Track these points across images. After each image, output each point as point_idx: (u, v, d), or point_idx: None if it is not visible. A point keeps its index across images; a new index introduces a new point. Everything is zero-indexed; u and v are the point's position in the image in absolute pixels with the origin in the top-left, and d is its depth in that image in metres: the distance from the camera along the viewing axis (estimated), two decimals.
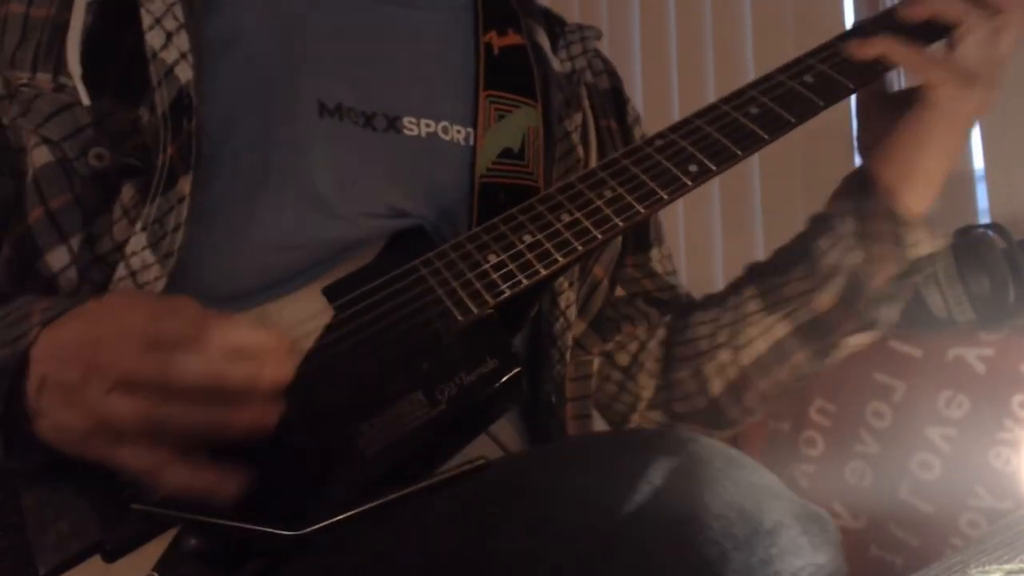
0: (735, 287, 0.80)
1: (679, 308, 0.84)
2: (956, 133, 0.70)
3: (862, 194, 0.73)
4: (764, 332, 0.76)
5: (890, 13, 0.73)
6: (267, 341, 0.52)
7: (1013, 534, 0.66)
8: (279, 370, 0.51)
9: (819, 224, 0.76)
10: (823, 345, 0.76)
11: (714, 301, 0.81)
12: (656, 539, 0.41)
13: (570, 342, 0.77)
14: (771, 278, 0.78)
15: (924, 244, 0.71)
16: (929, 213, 0.72)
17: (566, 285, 0.76)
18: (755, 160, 1.69)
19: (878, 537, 1.15)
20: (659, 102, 1.84)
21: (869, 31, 0.71)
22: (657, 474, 0.43)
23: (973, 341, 1.12)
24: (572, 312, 0.77)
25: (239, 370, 0.50)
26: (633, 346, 0.83)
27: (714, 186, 1.76)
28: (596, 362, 0.82)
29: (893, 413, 1.16)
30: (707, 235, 1.76)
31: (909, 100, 0.71)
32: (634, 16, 1.93)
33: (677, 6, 1.86)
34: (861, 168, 0.76)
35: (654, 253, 0.87)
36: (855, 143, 0.78)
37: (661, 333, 0.83)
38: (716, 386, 0.79)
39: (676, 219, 1.80)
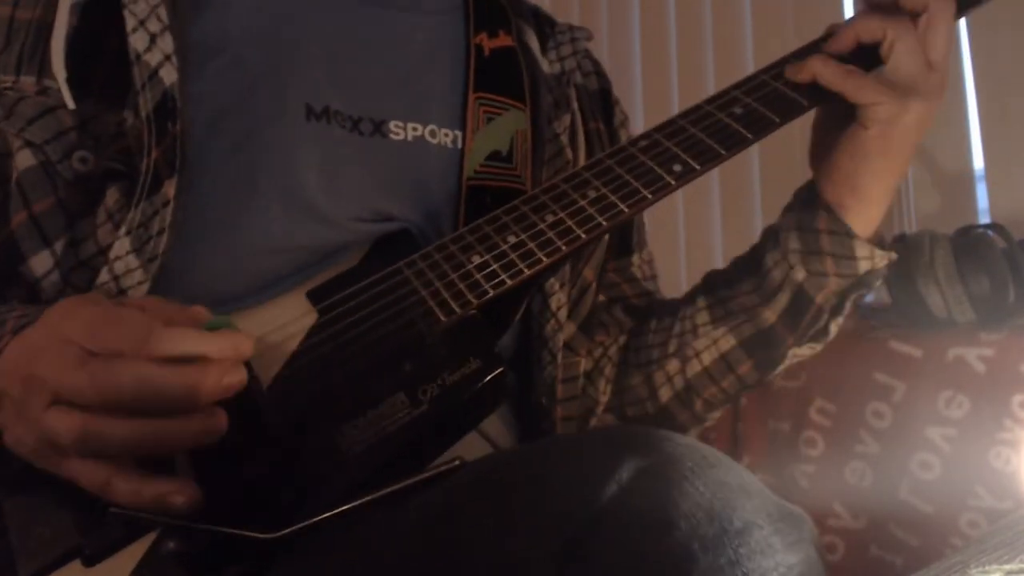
0: (690, 296, 0.81)
1: (640, 314, 0.85)
2: (897, 150, 0.69)
3: (808, 209, 0.73)
4: (711, 344, 0.78)
5: (816, 46, 0.71)
6: (212, 348, 0.50)
7: (1013, 534, 0.66)
8: (224, 378, 0.50)
9: (768, 238, 0.77)
10: (768, 358, 0.77)
11: (669, 309, 0.82)
12: (623, 539, 0.41)
13: (561, 344, 0.77)
14: (721, 291, 0.79)
15: (865, 261, 0.71)
16: (876, 228, 0.72)
17: (557, 287, 0.76)
18: (755, 159, 1.70)
19: (878, 537, 1.15)
20: (659, 102, 1.84)
21: (802, 55, 0.71)
22: (626, 473, 0.43)
23: (973, 341, 1.12)
24: (563, 314, 0.77)
25: (177, 379, 0.49)
26: (597, 352, 0.84)
27: (714, 185, 1.76)
28: (583, 363, 0.82)
29: (893, 413, 1.16)
30: (707, 234, 1.76)
31: (852, 115, 0.69)
32: (634, 16, 1.92)
33: (677, 6, 1.86)
34: (810, 182, 0.75)
35: (635, 258, 0.88)
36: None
37: (622, 339, 0.84)
38: (664, 394, 0.80)
39: (676, 219, 1.80)
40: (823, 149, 0.73)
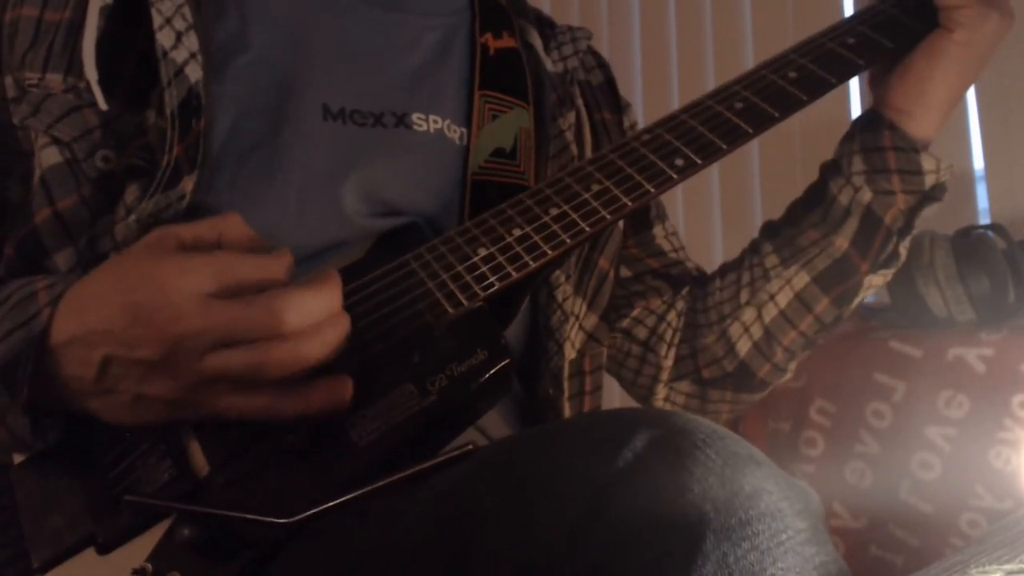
0: (753, 247, 0.82)
1: (697, 280, 0.85)
2: (973, 58, 0.71)
3: (869, 131, 0.74)
4: (784, 285, 0.78)
5: None
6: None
7: (1013, 534, 0.66)
8: (337, 278, 0.56)
9: (828, 170, 0.77)
10: (844, 289, 0.77)
11: (732, 265, 0.83)
12: (638, 502, 0.42)
13: (567, 334, 0.78)
14: (786, 231, 0.79)
15: (931, 175, 0.72)
16: (931, 148, 0.74)
17: (563, 278, 0.77)
18: (755, 158, 1.70)
19: (878, 537, 1.15)
20: (659, 101, 1.84)
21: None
22: (640, 443, 0.43)
23: (973, 341, 1.12)
24: (569, 304, 0.78)
25: (326, 293, 0.54)
26: (651, 320, 0.85)
27: (714, 184, 1.76)
28: (606, 353, 0.83)
29: (893, 413, 1.16)
30: (707, 234, 1.76)
31: (925, 29, 0.72)
32: (634, 16, 1.93)
33: (677, 6, 1.86)
34: (868, 109, 0.77)
35: (657, 231, 0.88)
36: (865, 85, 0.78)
37: (680, 305, 0.85)
38: (743, 346, 0.80)
39: (676, 219, 1.80)
40: (891, 64, 0.74)
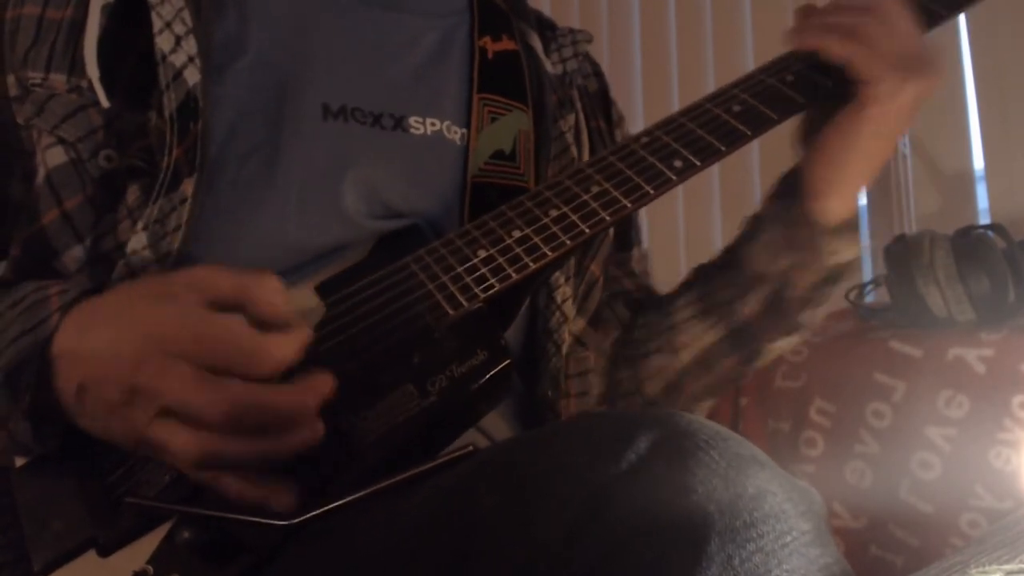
0: (678, 291, 0.83)
1: (633, 308, 0.86)
2: (889, 132, 0.70)
3: (788, 198, 0.74)
4: (695, 339, 0.79)
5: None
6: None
7: (1013, 534, 0.66)
8: (325, 389, 0.52)
9: (749, 229, 0.78)
10: (749, 351, 0.78)
11: (656, 303, 0.84)
12: (641, 503, 0.41)
13: (566, 336, 0.78)
14: (703, 285, 0.80)
15: (843, 252, 0.72)
16: (851, 219, 0.73)
17: (562, 280, 0.77)
18: (755, 158, 1.70)
19: (878, 537, 1.15)
20: (659, 102, 1.84)
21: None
22: (643, 444, 0.43)
23: (973, 341, 1.12)
24: (568, 307, 0.78)
25: (293, 401, 0.50)
26: (594, 343, 0.84)
27: (714, 184, 1.76)
28: (593, 357, 0.83)
29: (893, 413, 1.16)
30: (707, 234, 1.77)
31: (845, 95, 0.70)
32: (634, 16, 1.93)
33: (677, 6, 1.86)
34: (793, 168, 0.76)
35: (634, 252, 0.89)
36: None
37: (615, 333, 0.85)
38: (651, 387, 0.81)
39: (676, 219, 1.80)
40: (811, 129, 0.73)
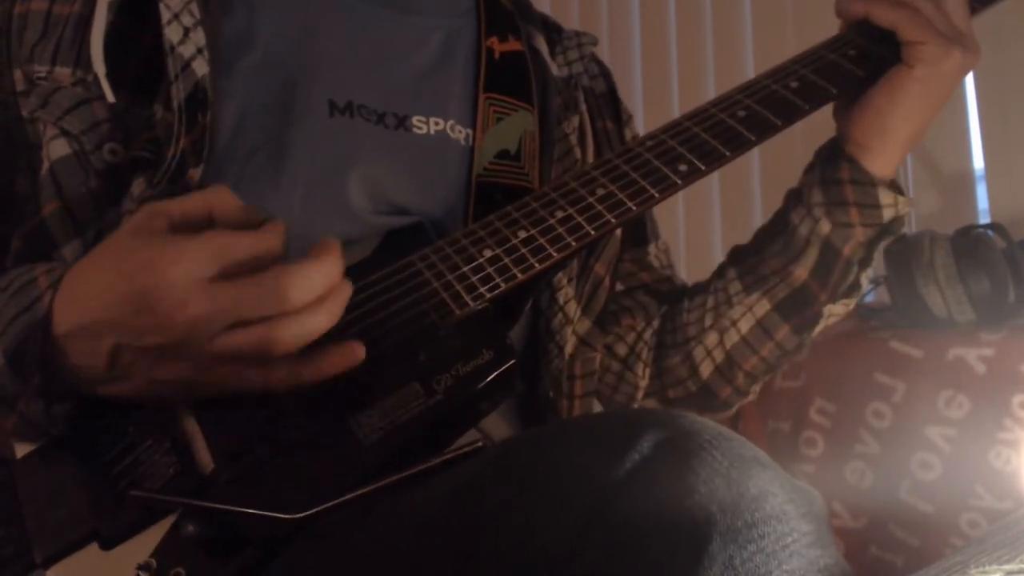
0: (719, 271, 0.82)
1: (671, 297, 0.86)
2: (933, 95, 0.71)
3: (831, 163, 0.74)
4: (746, 312, 0.78)
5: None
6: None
7: (1013, 534, 0.66)
8: (337, 247, 0.55)
9: (790, 199, 0.78)
10: (804, 318, 0.77)
11: (700, 288, 0.83)
12: (644, 503, 0.42)
13: (568, 337, 0.78)
14: (749, 258, 0.79)
15: (889, 209, 0.72)
16: (895, 177, 0.74)
17: (565, 281, 0.77)
18: (755, 159, 1.70)
19: (878, 537, 1.15)
20: (659, 102, 1.84)
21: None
22: (647, 445, 0.43)
23: (973, 341, 1.12)
24: (571, 308, 0.78)
25: (328, 264, 0.54)
26: (631, 337, 0.84)
27: (714, 185, 1.76)
28: (599, 358, 0.83)
29: (893, 413, 1.16)
30: (707, 234, 1.76)
31: (889, 61, 0.71)
32: (634, 17, 1.93)
33: (677, 6, 1.86)
34: (830, 140, 0.77)
35: (651, 248, 0.89)
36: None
37: (656, 323, 0.85)
38: (706, 369, 0.81)
39: (676, 219, 1.80)
40: (855, 95, 0.74)
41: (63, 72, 0.66)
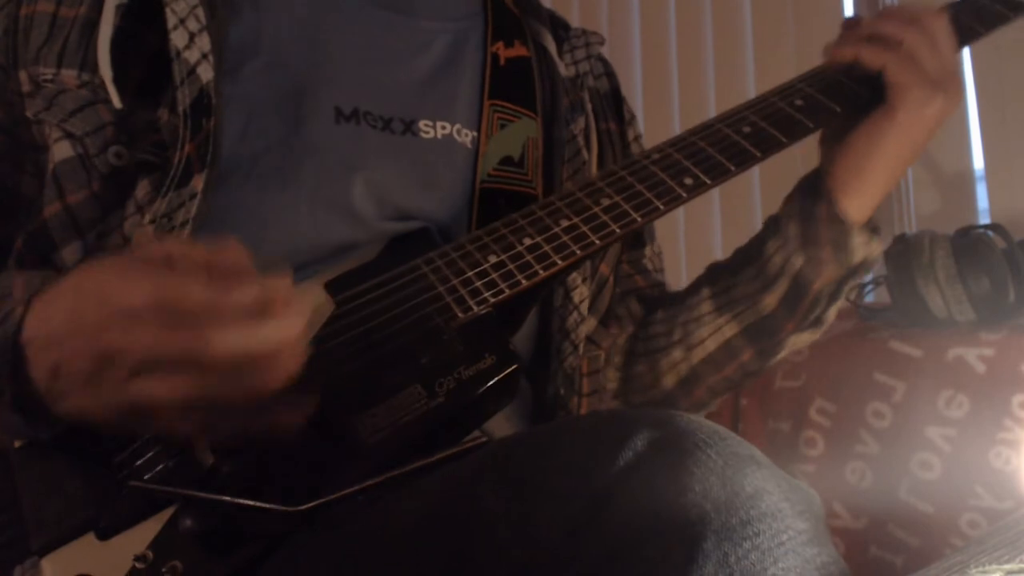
0: (694, 286, 0.84)
1: (650, 304, 0.87)
2: (913, 140, 0.72)
3: (810, 197, 0.75)
4: (714, 332, 0.80)
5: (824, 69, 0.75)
6: (276, 290, 0.49)
7: (1013, 534, 0.66)
8: (299, 320, 0.49)
9: (769, 226, 0.79)
10: (768, 345, 0.79)
11: (675, 299, 0.85)
12: (639, 500, 0.42)
13: (583, 335, 0.79)
14: (724, 279, 0.81)
15: (860, 250, 0.74)
16: (871, 219, 0.75)
17: (579, 280, 0.78)
18: (755, 167, 1.70)
19: (878, 537, 1.15)
20: (659, 104, 1.84)
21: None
22: (641, 443, 0.44)
23: (973, 341, 1.12)
24: (585, 307, 0.78)
25: (269, 331, 0.48)
26: (607, 342, 0.85)
27: (714, 190, 1.76)
28: (602, 356, 0.83)
29: (893, 413, 1.16)
30: (707, 235, 1.76)
31: (873, 101, 0.72)
32: (634, 18, 1.93)
33: (677, 7, 1.86)
34: (814, 170, 0.78)
35: (647, 250, 0.90)
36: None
37: (630, 329, 0.86)
38: (669, 380, 0.82)
39: (676, 218, 1.80)
40: (838, 131, 0.75)
41: (69, 74, 0.66)
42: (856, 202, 0.73)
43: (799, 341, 0.79)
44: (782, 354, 0.80)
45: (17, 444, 0.58)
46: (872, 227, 0.75)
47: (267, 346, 0.48)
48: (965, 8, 0.78)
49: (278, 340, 0.48)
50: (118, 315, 0.48)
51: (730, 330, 0.79)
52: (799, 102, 0.72)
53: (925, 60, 0.70)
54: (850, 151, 0.73)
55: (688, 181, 0.68)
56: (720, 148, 0.70)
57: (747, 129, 0.71)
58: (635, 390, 0.84)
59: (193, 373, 0.47)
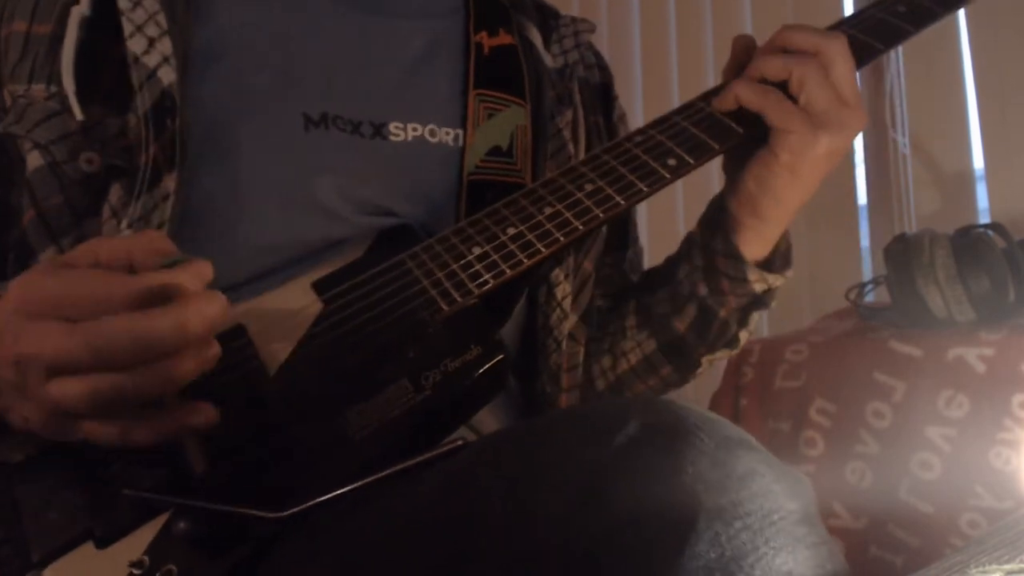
0: (627, 296, 0.86)
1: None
2: (803, 181, 0.70)
3: (710, 228, 0.77)
4: (635, 346, 0.83)
5: (706, 97, 0.73)
6: (180, 280, 0.50)
7: (1013, 534, 0.66)
8: (204, 308, 0.49)
9: (683, 248, 0.81)
10: (684, 363, 0.81)
11: (612, 305, 0.87)
12: (631, 483, 0.42)
13: (566, 332, 0.79)
14: (645, 296, 0.83)
15: (758, 284, 0.75)
16: (776, 250, 0.75)
17: (562, 277, 0.78)
18: None
19: (878, 537, 1.15)
20: (659, 98, 1.84)
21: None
22: (633, 428, 0.44)
23: (973, 341, 1.12)
24: (568, 303, 0.78)
25: (164, 321, 0.47)
26: (586, 339, 0.86)
27: (714, 184, 1.76)
28: (581, 352, 0.84)
29: (893, 413, 1.16)
30: None
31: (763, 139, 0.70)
32: (634, 16, 1.93)
33: (677, 7, 1.86)
34: (721, 192, 0.78)
35: (629, 253, 0.90)
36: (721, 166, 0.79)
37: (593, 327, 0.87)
38: (600, 385, 0.85)
39: (676, 218, 1.80)
40: (735, 163, 0.75)
41: (38, 88, 0.67)
42: (751, 237, 0.74)
43: (714, 359, 0.81)
44: (699, 371, 0.82)
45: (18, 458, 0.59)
46: (774, 260, 0.75)
47: (170, 337, 0.47)
48: (864, 25, 0.74)
49: (179, 330, 0.47)
50: (26, 321, 0.48)
51: (649, 346, 0.82)
52: None
53: (813, 97, 0.67)
54: (742, 192, 0.73)
55: (672, 162, 0.67)
56: (704, 127, 0.69)
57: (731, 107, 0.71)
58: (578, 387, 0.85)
59: (100, 368, 0.47)
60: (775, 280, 0.76)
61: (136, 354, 0.47)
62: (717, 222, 0.76)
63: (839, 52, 0.68)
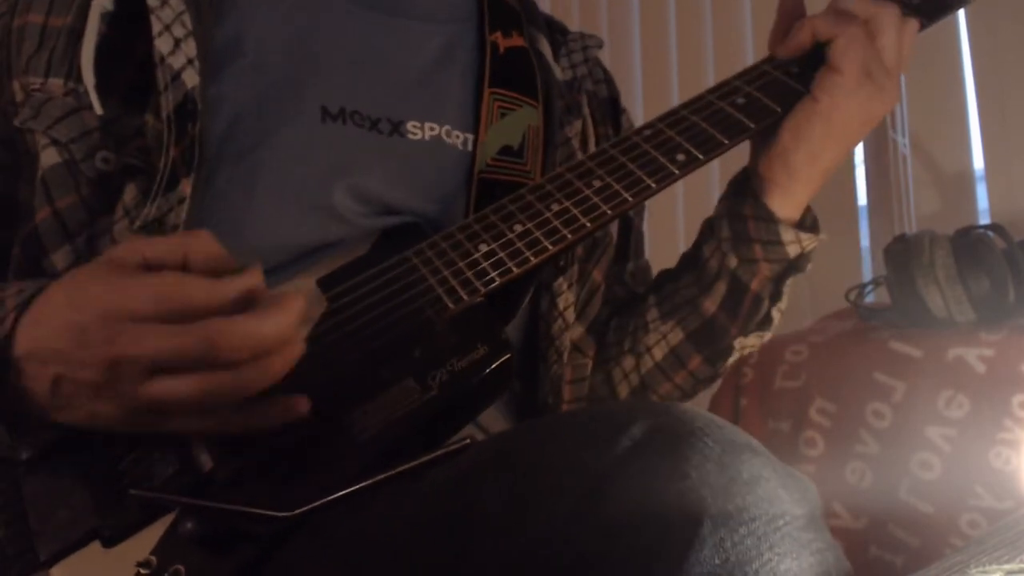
0: (643, 294, 0.84)
1: (610, 311, 0.86)
2: (837, 134, 0.70)
3: (738, 196, 0.75)
4: (660, 339, 0.80)
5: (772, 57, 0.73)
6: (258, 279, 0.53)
7: (1013, 534, 0.66)
8: (296, 305, 0.52)
9: (705, 229, 0.79)
10: (716, 350, 0.78)
11: (627, 307, 0.85)
12: (636, 486, 0.42)
13: (568, 343, 0.78)
14: (667, 285, 0.81)
15: (792, 246, 0.72)
16: (806, 214, 0.74)
17: (566, 287, 0.77)
18: None
19: (878, 537, 1.15)
20: (659, 101, 1.84)
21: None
22: (638, 431, 0.44)
23: (973, 341, 1.12)
24: (570, 313, 0.78)
25: (270, 321, 0.50)
26: (593, 351, 0.85)
27: (714, 183, 1.76)
28: (590, 364, 0.83)
29: (893, 413, 1.16)
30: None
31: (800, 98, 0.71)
32: (634, 18, 1.93)
33: (677, 7, 1.86)
34: (744, 168, 0.77)
35: (630, 266, 0.89)
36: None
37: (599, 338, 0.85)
38: (622, 391, 0.82)
39: (676, 219, 1.80)
40: (768, 127, 0.74)
41: (56, 83, 0.67)
42: (784, 198, 0.72)
43: (746, 344, 0.78)
44: (731, 359, 0.79)
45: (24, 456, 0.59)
46: (804, 222, 0.74)
47: (274, 336, 0.50)
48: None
49: (281, 330, 0.50)
50: (122, 323, 0.49)
51: (675, 337, 0.79)
52: (795, 69, 0.71)
53: (882, 44, 0.69)
54: (776, 146, 0.71)
55: (680, 157, 0.67)
56: (713, 121, 0.68)
57: (741, 100, 0.70)
58: (591, 400, 0.84)
59: (205, 368, 0.49)
60: (808, 241, 0.73)
61: (244, 352, 0.50)
62: (744, 191, 0.75)
63: (889, 21, 0.69)
